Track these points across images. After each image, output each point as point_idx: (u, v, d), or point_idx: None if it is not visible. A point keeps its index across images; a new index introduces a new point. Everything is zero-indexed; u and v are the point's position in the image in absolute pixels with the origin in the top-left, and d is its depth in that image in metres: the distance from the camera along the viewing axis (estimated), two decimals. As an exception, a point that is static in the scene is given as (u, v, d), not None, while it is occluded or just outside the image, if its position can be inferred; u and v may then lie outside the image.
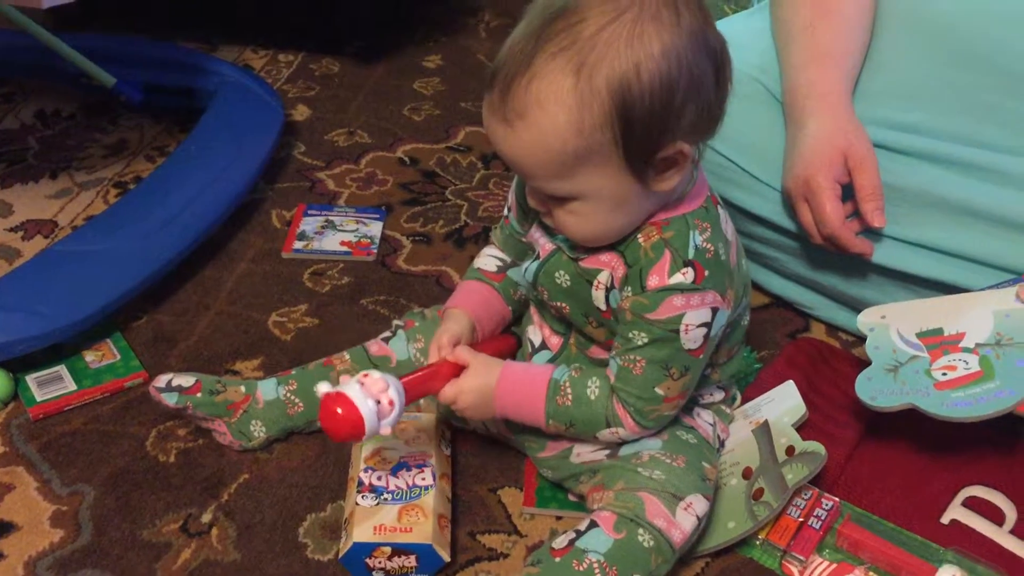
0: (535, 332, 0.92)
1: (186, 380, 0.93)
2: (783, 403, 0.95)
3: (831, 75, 1.06)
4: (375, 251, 1.26)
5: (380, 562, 0.82)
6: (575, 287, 0.83)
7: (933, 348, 0.92)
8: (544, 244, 0.86)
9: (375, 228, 1.30)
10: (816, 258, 1.11)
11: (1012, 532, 0.88)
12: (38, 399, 0.99)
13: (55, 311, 1.01)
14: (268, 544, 0.86)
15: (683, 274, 0.77)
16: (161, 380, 0.93)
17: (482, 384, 0.84)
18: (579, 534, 0.79)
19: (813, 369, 1.06)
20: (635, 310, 0.79)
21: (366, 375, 0.77)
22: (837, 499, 0.89)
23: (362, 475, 0.87)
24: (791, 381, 0.97)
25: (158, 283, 1.12)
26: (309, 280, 1.21)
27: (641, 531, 0.78)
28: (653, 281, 0.77)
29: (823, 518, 0.87)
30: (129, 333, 1.09)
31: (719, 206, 0.82)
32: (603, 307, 0.82)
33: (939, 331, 0.94)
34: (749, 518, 0.85)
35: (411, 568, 0.83)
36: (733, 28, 1.21)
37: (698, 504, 0.81)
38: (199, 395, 0.93)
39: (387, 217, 1.33)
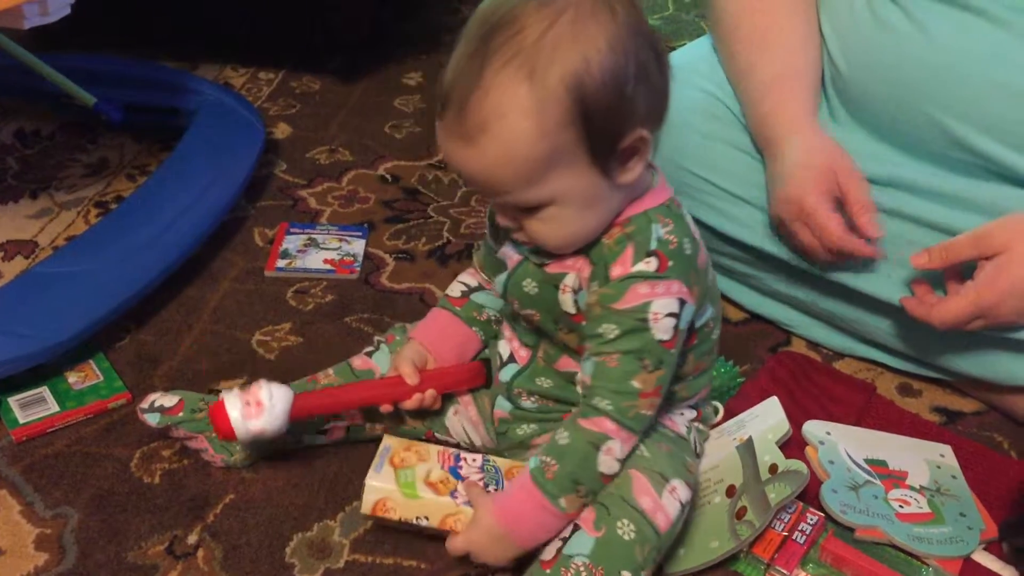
0: (504, 346, 0.92)
1: (169, 400, 0.94)
2: (767, 420, 0.95)
3: (789, 101, 1.07)
4: (358, 269, 1.26)
5: None
6: (543, 293, 0.84)
7: (884, 478, 0.94)
8: (512, 256, 0.87)
9: (358, 246, 1.30)
10: (794, 276, 1.12)
11: (987, 549, 0.89)
12: (20, 421, 0.98)
13: (37, 332, 1.01)
14: (255, 565, 0.86)
15: (646, 263, 0.78)
16: (146, 401, 0.94)
17: (485, 527, 0.81)
18: (565, 541, 0.79)
19: (795, 383, 1.07)
20: (602, 302, 0.79)
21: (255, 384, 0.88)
22: (821, 514, 0.90)
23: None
24: (775, 397, 0.98)
25: (141, 303, 1.12)
26: (293, 298, 1.21)
27: (620, 524, 0.78)
28: (616, 271, 0.78)
29: (807, 532, 0.88)
30: (112, 354, 1.09)
31: (683, 209, 0.83)
32: (572, 311, 0.83)
33: (884, 463, 0.96)
34: (732, 538, 0.85)
35: None
36: (700, 51, 1.22)
37: (682, 490, 0.82)
38: (180, 415, 0.93)
39: (370, 235, 1.33)
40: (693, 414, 0.92)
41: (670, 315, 0.79)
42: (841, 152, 1.03)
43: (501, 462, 0.89)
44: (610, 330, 0.79)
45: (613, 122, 0.74)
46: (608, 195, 0.78)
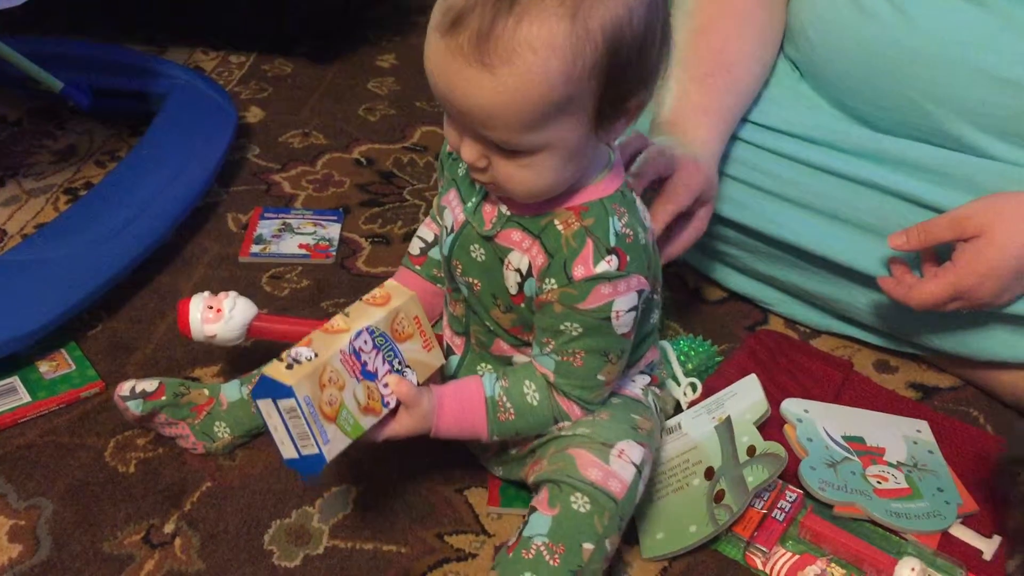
0: (444, 335, 0.91)
1: (149, 385, 0.92)
2: (745, 399, 0.95)
3: (722, 96, 1.07)
4: (334, 253, 1.25)
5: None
6: (489, 263, 0.81)
7: (861, 455, 0.95)
8: (457, 215, 0.83)
9: (333, 230, 1.29)
10: (774, 255, 1.12)
11: (964, 523, 0.90)
12: (-8, 412, 0.97)
13: (7, 322, 0.99)
14: (233, 552, 0.85)
15: (607, 262, 0.75)
16: (124, 388, 0.92)
17: (417, 426, 0.81)
18: (525, 524, 0.79)
19: (773, 362, 1.07)
20: (564, 301, 0.77)
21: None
22: (800, 492, 0.90)
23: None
24: (754, 375, 0.98)
25: (113, 291, 1.10)
26: (268, 284, 1.20)
27: (573, 498, 0.78)
28: (579, 271, 0.76)
29: (786, 510, 0.89)
30: (84, 342, 1.07)
31: (634, 192, 0.82)
32: (514, 291, 0.81)
33: (862, 440, 0.97)
34: (710, 522, 0.86)
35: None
36: None
37: (631, 450, 0.81)
38: (163, 398, 0.92)
39: (345, 219, 1.32)
40: (647, 380, 0.91)
41: (631, 310, 0.78)
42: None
43: (381, 323, 0.81)
44: (573, 328, 0.78)
45: (631, 81, 0.71)
46: (588, 151, 0.75)
